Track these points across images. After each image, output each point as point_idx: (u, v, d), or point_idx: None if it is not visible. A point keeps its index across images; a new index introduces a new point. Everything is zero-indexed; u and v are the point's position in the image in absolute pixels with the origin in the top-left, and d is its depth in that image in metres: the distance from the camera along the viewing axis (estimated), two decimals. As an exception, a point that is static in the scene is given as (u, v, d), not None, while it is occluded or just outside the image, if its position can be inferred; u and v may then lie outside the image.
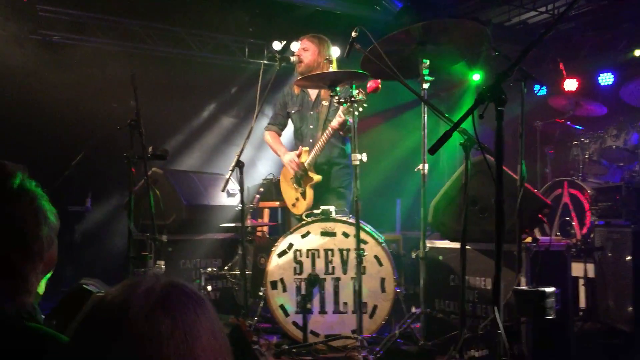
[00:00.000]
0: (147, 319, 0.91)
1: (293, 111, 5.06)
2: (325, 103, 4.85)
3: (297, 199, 4.94)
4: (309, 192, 4.80)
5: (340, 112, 4.31)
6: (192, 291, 0.99)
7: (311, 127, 4.94)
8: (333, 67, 4.58)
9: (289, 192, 5.03)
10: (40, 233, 1.42)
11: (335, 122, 4.41)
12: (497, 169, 2.17)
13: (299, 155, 4.85)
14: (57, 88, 6.68)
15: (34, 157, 6.39)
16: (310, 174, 4.79)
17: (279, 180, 5.65)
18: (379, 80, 3.99)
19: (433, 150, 2.09)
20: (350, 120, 4.02)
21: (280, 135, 5.19)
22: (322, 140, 4.62)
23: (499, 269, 2.10)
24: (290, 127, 5.21)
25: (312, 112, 4.95)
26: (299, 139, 5.05)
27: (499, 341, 2.18)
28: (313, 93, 4.97)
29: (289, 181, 4.99)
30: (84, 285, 2.84)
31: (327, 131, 4.56)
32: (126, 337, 0.90)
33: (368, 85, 4.05)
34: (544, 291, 2.64)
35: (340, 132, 4.64)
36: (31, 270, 1.42)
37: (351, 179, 4.63)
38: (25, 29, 6.73)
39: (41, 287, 2.54)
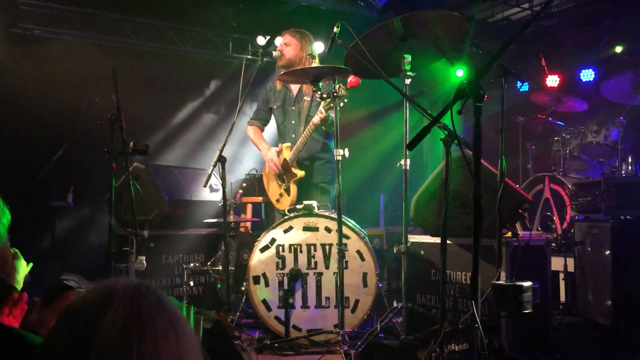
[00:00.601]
0: (134, 294, 0.96)
1: (275, 107, 5.06)
2: (307, 98, 4.85)
3: (281, 195, 4.94)
4: (293, 188, 4.80)
5: (321, 107, 4.32)
6: None
7: (293, 122, 4.95)
8: (316, 63, 4.58)
9: (273, 188, 5.03)
10: None
11: (316, 118, 4.42)
12: (476, 164, 2.19)
13: (279, 152, 4.84)
14: (37, 82, 6.61)
15: (15, 152, 6.34)
16: (294, 169, 4.79)
17: (262, 175, 5.65)
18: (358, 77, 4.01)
19: (411, 145, 2.09)
20: (332, 115, 4.03)
21: (262, 130, 5.18)
22: (304, 136, 4.62)
23: (476, 263, 2.12)
24: (273, 123, 5.21)
25: (293, 108, 4.96)
26: (282, 134, 5.06)
27: (476, 335, 2.19)
28: (295, 88, 4.97)
29: (273, 177, 4.99)
30: (64, 281, 2.82)
31: (309, 127, 4.56)
32: (117, 309, 0.93)
33: (348, 80, 4.06)
34: (521, 285, 2.66)
35: (323, 128, 4.65)
36: None
37: (334, 174, 4.64)
38: (6, 22, 6.65)
39: (19, 283, 2.51)
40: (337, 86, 3.87)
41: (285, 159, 4.80)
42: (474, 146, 2.17)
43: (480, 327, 2.17)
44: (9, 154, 6.26)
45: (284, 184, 4.87)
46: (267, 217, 5.96)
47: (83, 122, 5.96)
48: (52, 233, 6.86)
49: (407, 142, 2.15)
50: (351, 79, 4.05)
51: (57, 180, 6.49)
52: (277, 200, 4.99)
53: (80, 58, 7.02)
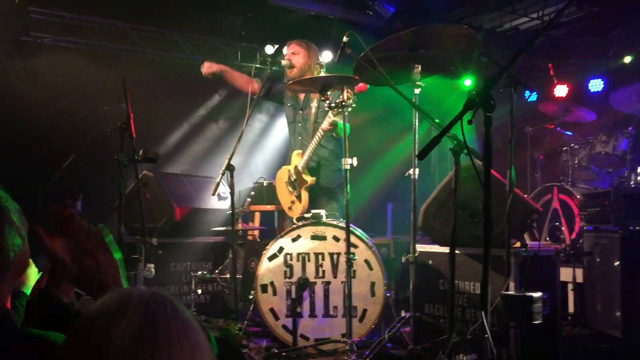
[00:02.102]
0: (149, 303, 0.96)
1: (289, 104, 5.13)
2: (314, 104, 4.89)
3: (292, 202, 4.96)
4: (304, 195, 4.82)
5: (330, 113, 4.35)
6: None
7: (299, 125, 5.01)
8: (323, 72, 4.60)
9: (285, 196, 5.05)
10: (3, 243, 1.34)
11: (325, 124, 4.45)
12: (486, 174, 2.18)
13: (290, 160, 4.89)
14: (47, 90, 6.65)
15: (25, 159, 6.37)
16: (304, 176, 4.81)
17: (270, 183, 5.67)
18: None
19: (421, 155, 2.10)
20: (342, 122, 4.06)
21: (252, 85, 4.99)
22: (314, 143, 4.65)
23: (486, 273, 2.11)
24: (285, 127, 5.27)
25: (300, 112, 5.01)
26: (290, 132, 5.18)
27: (485, 346, 2.19)
28: (302, 94, 5.01)
29: (284, 184, 5.01)
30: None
31: (318, 133, 4.59)
32: (132, 316, 0.93)
33: (356, 85, 4.08)
34: (530, 296, 2.65)
35: (334, 134, 4.68)
36: None
37: (342, 183, 4.65)
38: (17, 31, 6.70)
39: (28, 288, 2.52)
40: (346, 93, 3.88)
41: (296, 166, 4.83)
42: (484, 156, 2.17)
43: (490, 337, 2.17)
44: (17, 162, 6.29)
45: (295, 191, 4.89)
46: (279, 225, 5.98)
47: (92, 130, 5.98)
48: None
49: (417, 152, 2.15)
50: (359, 84, 4.07)
51: (67, 188, 6.51)
52: (289, 208, 5.02)
53: (90, 66, 7.06)
